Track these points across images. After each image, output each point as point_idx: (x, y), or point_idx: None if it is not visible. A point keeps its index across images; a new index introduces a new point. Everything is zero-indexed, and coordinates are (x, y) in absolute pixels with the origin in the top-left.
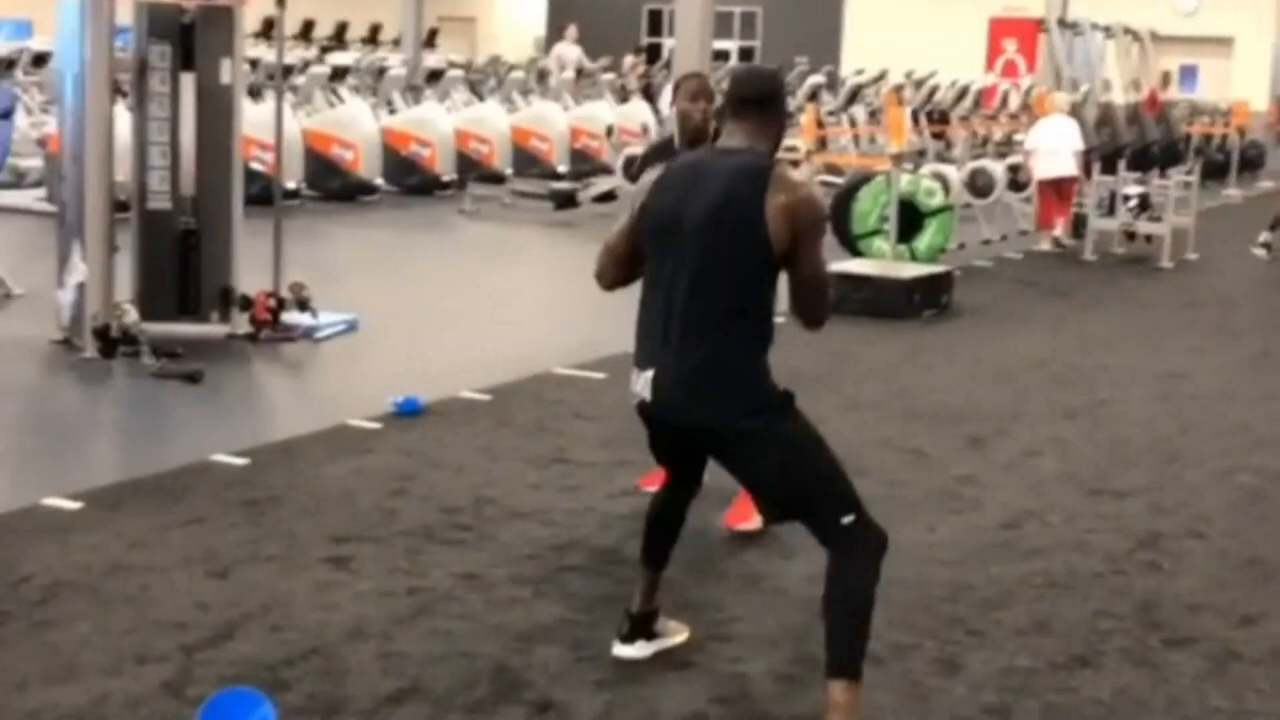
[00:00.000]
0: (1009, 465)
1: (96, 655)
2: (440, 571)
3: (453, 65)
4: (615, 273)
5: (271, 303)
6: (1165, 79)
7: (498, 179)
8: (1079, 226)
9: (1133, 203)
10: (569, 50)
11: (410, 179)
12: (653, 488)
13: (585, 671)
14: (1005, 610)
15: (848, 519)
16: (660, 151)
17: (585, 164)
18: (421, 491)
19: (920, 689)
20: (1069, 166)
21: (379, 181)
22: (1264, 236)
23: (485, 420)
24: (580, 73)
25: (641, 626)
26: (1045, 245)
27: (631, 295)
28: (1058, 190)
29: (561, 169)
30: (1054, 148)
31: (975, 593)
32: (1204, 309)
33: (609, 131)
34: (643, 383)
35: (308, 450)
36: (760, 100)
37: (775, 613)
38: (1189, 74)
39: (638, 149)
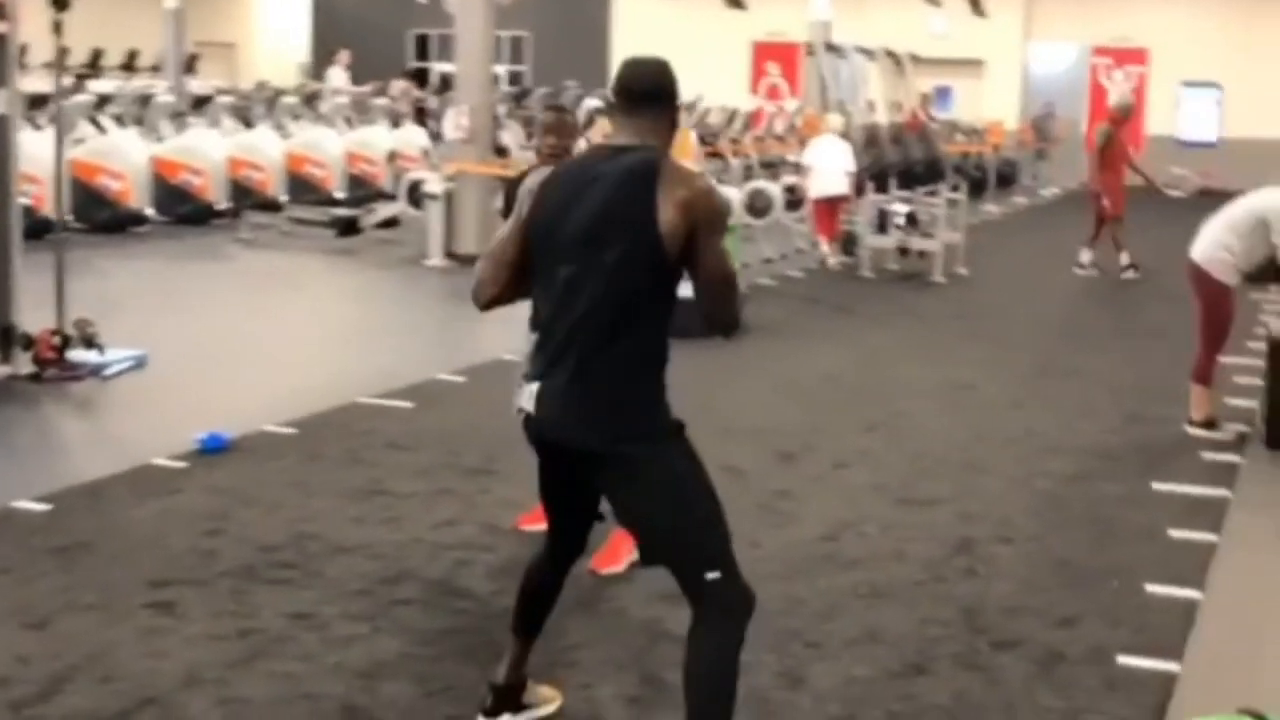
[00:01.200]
0: (820, 478)
1: None
2: (269, 612)
3: (221, 91)
4: (496, 287)
5: (56, 341)
6: (926, 100)
7: (273, 206)
8: (849, 244)
9: (900, 220)
10: (341, 76)
11: (182, 208)
12: (532, 527)
13: (436, 706)
14: (836, 621)
15: (713, 574)
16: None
17: (362, 190)
18: (238, 531)
19: (768, 704)
20: (843, 185)
21: (150, 212)
22: (1085, 256)
23: (295, 454)
24: (335, 94)
25: (508, 698)
26: (830, 257)
27: (431, 323)
28: (831, 208)
29: (339, 195)
30: (828, 167)
31: (806, 605)
32: (980, 321)
33: (390, 157)
34: (527, 395)
35: (113, 492)
36: (650, 94)
37: (617, 636)
38: (943, 95)
39: (421, 174)
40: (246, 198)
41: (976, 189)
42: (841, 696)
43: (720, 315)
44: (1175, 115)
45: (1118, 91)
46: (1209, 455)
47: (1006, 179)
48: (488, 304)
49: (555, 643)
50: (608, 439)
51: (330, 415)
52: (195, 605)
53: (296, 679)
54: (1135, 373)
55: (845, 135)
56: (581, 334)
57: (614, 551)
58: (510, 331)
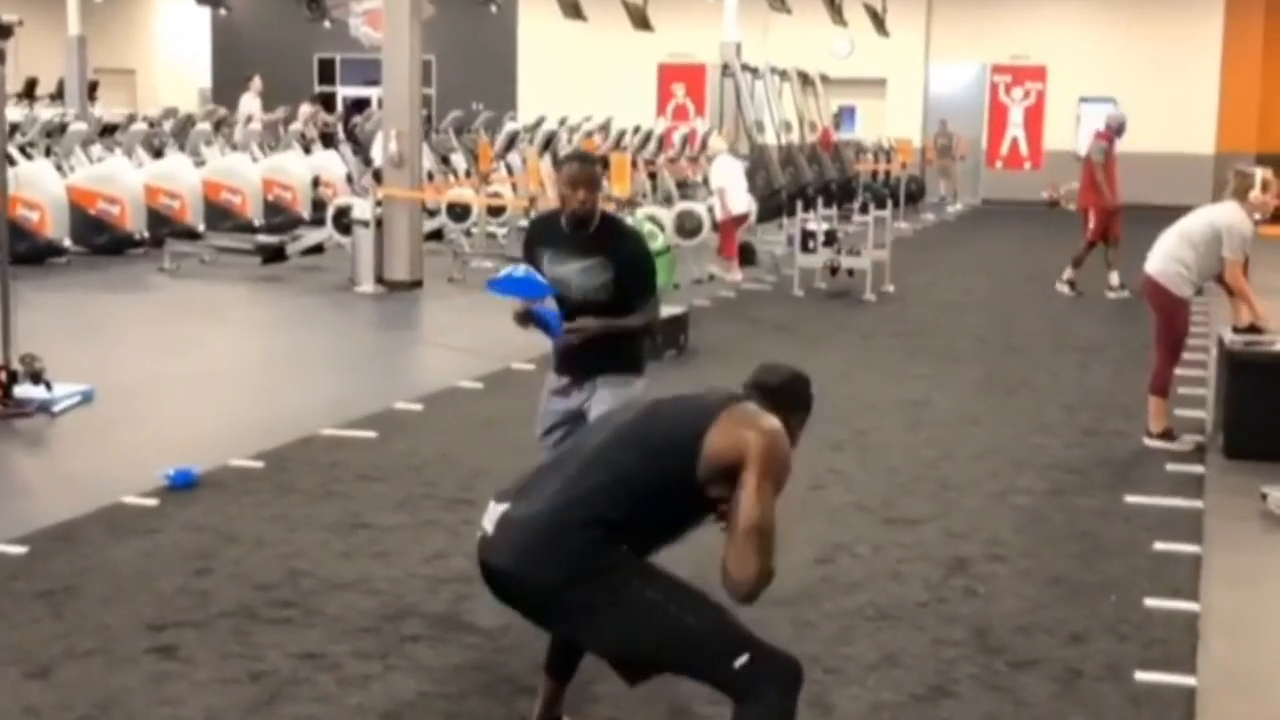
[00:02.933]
0: (801, 499)
1: None
2: (277, 653)
3: (132, 119)
4: None
5: (2, 377)
6: (838, 120)
7: (191, 235)
8: (749, 255)
9: (820, 238)
10: (254, 102)
11: (100, 238)
12: None
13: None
14: (851, 645)
15: (740, 660)
16: (544, 223)
17: (279, 216)
18: (227, 569)
19: None
20: (749, 203)
21: (67, 242)
22: (1068, 274)
23: (266, 489)
24: (249, 120)
25: None
26: (737, 273)
27: (375, 351)
28: (735, 226)
29: (257, 222)
30: (736, 185)
31: (817, 630)
32: (919, 338)
33: (314, 183)
34: (490, 515)
35: (88, 533)
36: (782, 398)
37: None
38: (848, 114)
39: (348, 200)
40: (164, 226)
41: (885, 206)
42: None
43: (733, 570)
44: (1074, 130)
45: (1110, 111)
46: (1172, 467)
47: (914, 197)
48: None
49: (578, 677)
50: (544, 584)
51: (295, 447)
52: (198, 648)
53: None
54: (1081, 387)
55: (735, 154)
56: (560, 484)
57: None
58: (458, 359)
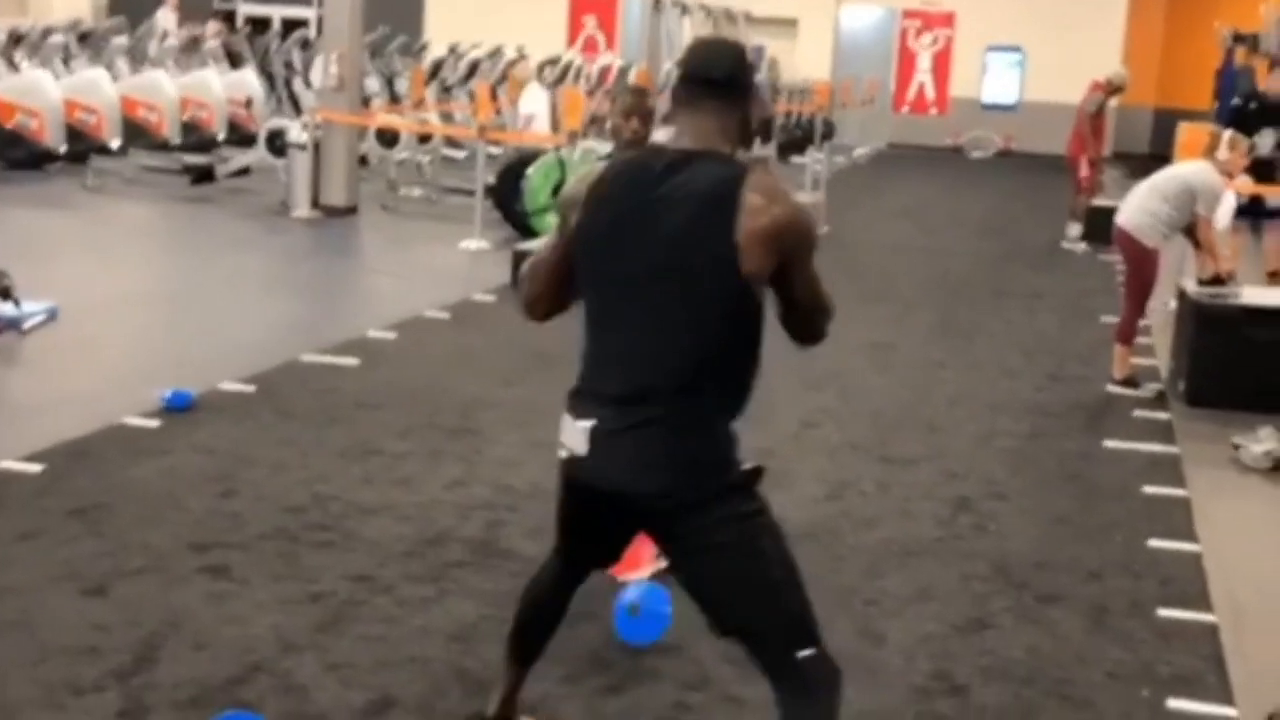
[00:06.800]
0: (796, 437)
1: (23, 690)
2: (329, 575)
3: (48, 31)
4: (550, 303)
5: None
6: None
7: (106, 151)
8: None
9: None
10: (169, 17)
11: (16, 152)
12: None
13: (548, 669)
14: (884, 579)
15: (805, 653)
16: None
17: (192, 136)
18: (250, 492)
19: (865, 664)
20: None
21: None
22: (1074, 230)
23: (266, 413)
24: (164, 36)
25: None
26: None
27: (329, 277)
28: None
29: (174, 141)
30: (543, 115)
31: (848, 563)
32: (868, 281)
33: (248, 104)
34: (576, 434)
35: (101, 452)
36: (725, 83)
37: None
38: (758, 54)
39: (281, 122)
40: (80, 142)
41: (799, 148)
42: (926, 653)
43: (809, 337)
44: (979, 78)
45: (1114, 68)
46: (1140, 413)
47: (826, 138)
48: (544, 317)
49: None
50: (681, 494)
51: (281, 372)
52: (249, 569)
53: (391, 642)
54: (1033, 333)
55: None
56: (647, 374)
57: (634, 558)
58: (416, 288)
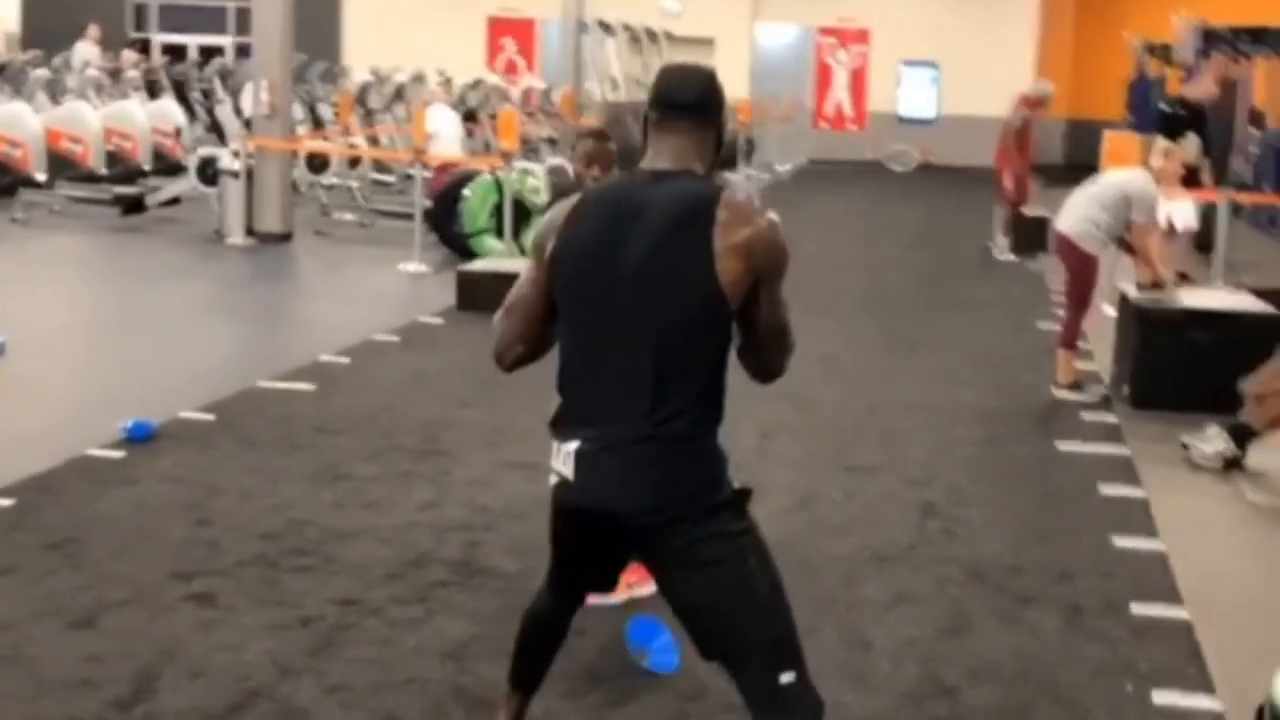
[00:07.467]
0: (758, 449)
1: None
2: (315, 599)
3: None
4: (527, 346)
5: None
6: None
7: (33, 184)
8: None
9: None
10: (91, 49)
11: None
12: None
13: (548, 684)
14: (862, 586)
15: (788, 678)
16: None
17: (116, 166)
18: (224, 521)
19: (853, 669)
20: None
21: None
22: (1003, 241)
23: (228, 441)
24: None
25: None
26: None
27: (272, 303)
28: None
29: (100, 172)
30: (449, 133)
31: (825, 572)
32: (804, 296)
33: (178, 133)
34: (564, 458)
35: (66, 485)
36: (696, 106)
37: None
38: None
39: (213, 150)
40: (5, 175)
41: (728, 164)
42: (913, 656)
43: (768, 369)
44: (895, 93)
45: (1041, 83)
46: (1088, 416)
47: (747, 154)
48: (515, 365)
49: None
50: (671, 509)
51: (238, 400)
52: (234, 596)
53: (386, 664)
54: (975, 343)
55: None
56: (629, 393)
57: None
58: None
